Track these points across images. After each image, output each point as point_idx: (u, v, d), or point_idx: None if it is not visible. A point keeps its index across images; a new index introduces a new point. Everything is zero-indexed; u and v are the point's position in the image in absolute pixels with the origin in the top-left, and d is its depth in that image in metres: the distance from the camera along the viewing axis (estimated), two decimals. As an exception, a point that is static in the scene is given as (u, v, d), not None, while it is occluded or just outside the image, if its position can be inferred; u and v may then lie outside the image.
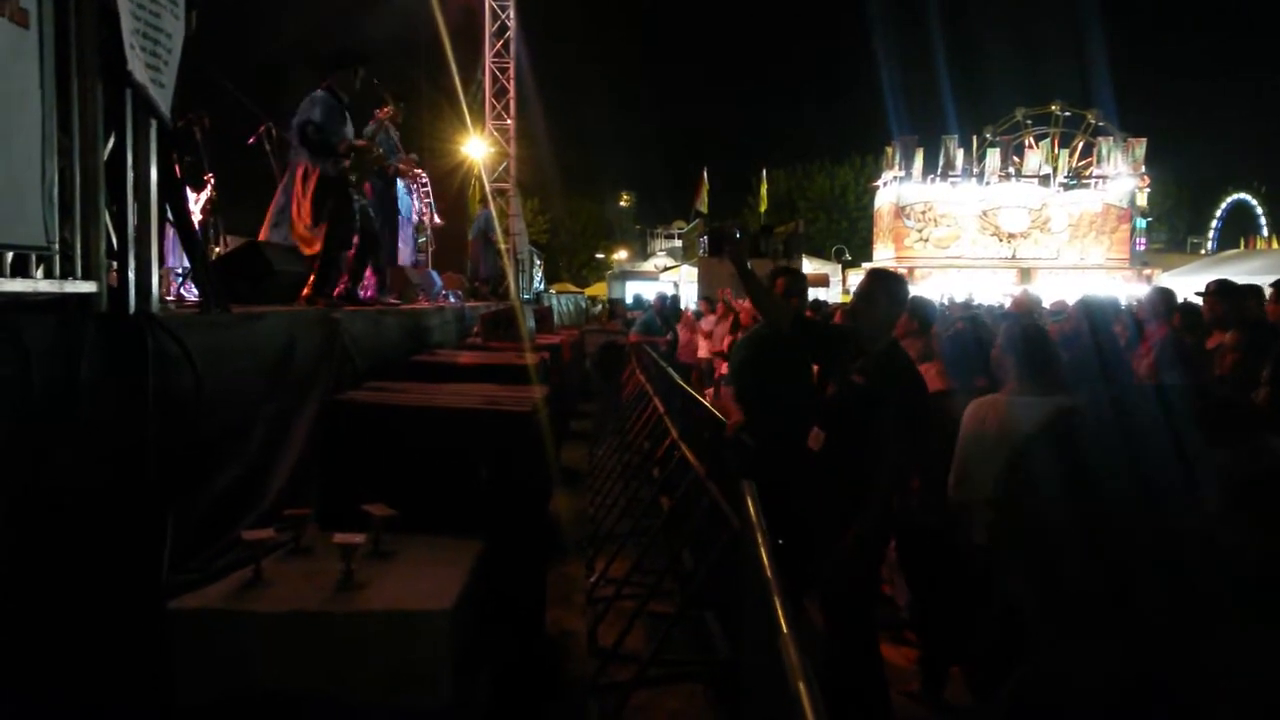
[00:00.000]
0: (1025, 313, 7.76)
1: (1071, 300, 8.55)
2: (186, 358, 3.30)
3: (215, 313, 3.98)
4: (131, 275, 3.30)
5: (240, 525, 3.66)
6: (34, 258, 2.98)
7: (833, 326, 5.48)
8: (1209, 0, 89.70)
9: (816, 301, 12.35)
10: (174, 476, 3.25)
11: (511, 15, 19.08)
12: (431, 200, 12.33)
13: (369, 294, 7.45)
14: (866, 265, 34.98)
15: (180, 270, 6.75)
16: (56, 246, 3.04)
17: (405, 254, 11.50)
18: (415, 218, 12.02)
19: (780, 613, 1.96)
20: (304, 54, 7.07)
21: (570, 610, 5.46)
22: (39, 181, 2.95)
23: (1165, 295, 6.73)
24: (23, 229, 2.90)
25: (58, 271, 3.07)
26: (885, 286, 4.22)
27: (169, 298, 5.53)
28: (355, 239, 6.71)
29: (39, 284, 2.98)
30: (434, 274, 10.48)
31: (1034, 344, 4.03)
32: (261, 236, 6.73)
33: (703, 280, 23.94)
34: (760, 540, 2.48)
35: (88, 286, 3.17)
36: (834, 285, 35.64)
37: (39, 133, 2.95)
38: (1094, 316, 5.92)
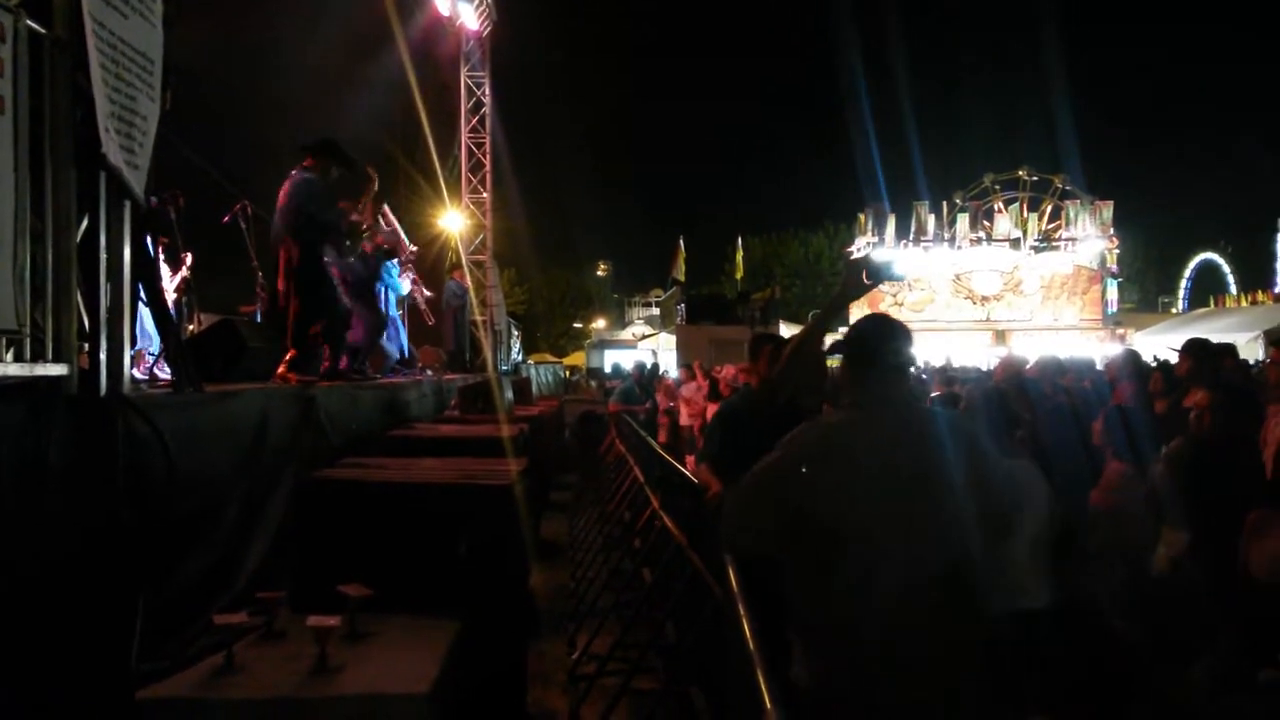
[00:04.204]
0: (1013, 376, 7.70)
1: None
2: (158, 439, 3.26)
3: (188, 392, 3.95)
4: (103, 356, 3.28)
5: (213, 608, 3.58)
6: (4, 341, 2.95)
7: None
8: (1172, 65, 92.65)
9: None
10: (145, 559, 3.19)
11: (487, 91, 19.41)
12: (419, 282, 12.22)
13: (343, 366, 7.39)
14: (843, 330, 35.22)
15: (153, 350, 6.69)
16: (27, 329, 3.02)
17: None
18: (408, 296, 11.98)
19: (765, 688, 1.92)
20: (289, 136, 7.14)
21: (551, 689, 5.34)
22: (10, 265, 2.93)
23: (1131, 356, 6.82)
24: (-8, 313, 2.88)
25: (28, 354, 3.04)
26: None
27: (142, 377, 5.48)
28: (329, 315, 6.70)
29: (8, 368, 2.95)
30: (386, 345, 10.39)
31: (995, 407, 4.05)
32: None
33: (681, 348, 24.05)
34: (743, 612, 2.44)
35: (58, 369, 3.14)
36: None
37: (11, 216, 2.95)
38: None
